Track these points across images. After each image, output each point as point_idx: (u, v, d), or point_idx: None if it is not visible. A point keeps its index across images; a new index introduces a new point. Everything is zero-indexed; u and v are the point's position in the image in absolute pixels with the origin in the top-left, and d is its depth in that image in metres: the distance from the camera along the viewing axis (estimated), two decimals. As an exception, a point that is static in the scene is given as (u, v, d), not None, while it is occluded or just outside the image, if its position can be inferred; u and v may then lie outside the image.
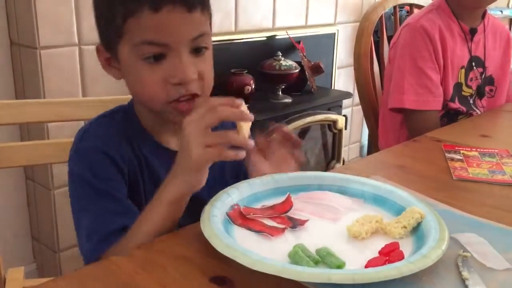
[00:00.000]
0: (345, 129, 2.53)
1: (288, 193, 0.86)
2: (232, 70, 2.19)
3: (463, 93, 1.54)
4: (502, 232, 0.82)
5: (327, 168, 2.52)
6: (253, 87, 2.19)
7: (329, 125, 2.48)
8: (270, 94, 2.34)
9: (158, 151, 0.92)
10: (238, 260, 0.65)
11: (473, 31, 1.53)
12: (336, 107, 2.50)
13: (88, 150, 0.87)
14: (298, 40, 2.51)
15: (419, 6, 1.80)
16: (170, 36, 0.80)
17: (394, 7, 1.80)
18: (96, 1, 0.87)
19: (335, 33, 2.75)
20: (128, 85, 0.88)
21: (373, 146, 1.76)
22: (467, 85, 1.54)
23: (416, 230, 0.78)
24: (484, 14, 1.56)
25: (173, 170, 0.79)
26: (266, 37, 2.43)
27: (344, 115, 2.51)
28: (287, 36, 2.47)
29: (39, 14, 1.73)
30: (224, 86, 2.17)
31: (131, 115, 0.93)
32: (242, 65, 2.26)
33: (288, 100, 2.33)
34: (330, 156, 2.56)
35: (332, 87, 2.83)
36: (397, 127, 1.55)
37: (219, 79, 2.15)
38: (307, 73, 2.39)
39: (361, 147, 3.31)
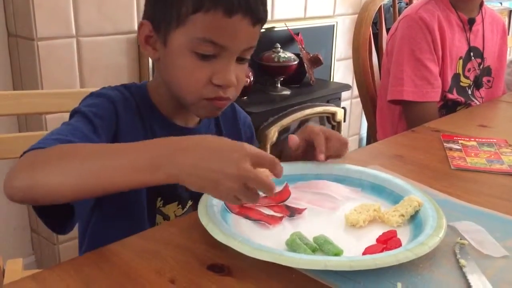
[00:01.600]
0: (344, 121, 2.52)
1: (285, 182, 0.86)
2: (231, 62, 2.19)
3: (461, 83, 1.53)
4: (500, 220, 0.82)
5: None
6: (252, 79, 2.18)
7: (328, 118, 2.47)
8: (269, 86, 2.33)
9: (168, 127, 0.92)
10: (235, 248, 0.65)
11: (471, 21, 1.52)
12: (335, 99, 2.50)
13: (99, 95, 0.88)
14: (297, 32, 2.50)
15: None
16: (231, 41, 0.82)
17: (393, -2, 1.79)
18: None
19: (334, 25, 2.74)
20: (166, 70, 0.87)
21: (372, 138, 1.75)
22: (464, 76, 1.53)
23: (414, 219, 0.78)
24: (481, 4, 1.55)
25: (173, 153, 0.66)
26: (265, 28, 2.42)
27: (343, 108, 2.50)
28: (285, 28, 2.46)
29: (36, 5, 1.71)
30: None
31: (144, 92, 0.93)
32: (241, 57, 2.25)
33: (286, 92, 2.33)
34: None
35: (331, 80, 2.83)
36: (395, 119, 1.55)
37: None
38: (306, 65, 2.38)
39: (360, 140, 3.30)
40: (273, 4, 2.46)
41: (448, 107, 1.51)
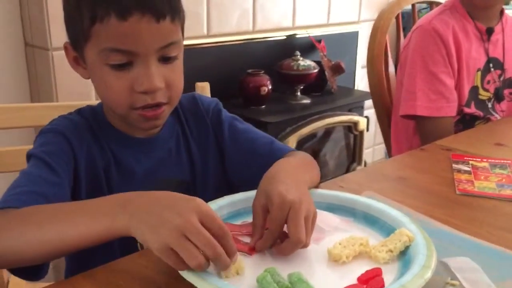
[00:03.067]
0: (367, 130, 2.45)
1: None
2: (249, 71, 2.15)
3: (480, 97, 1.45)
4: (501, 256, 0.75)
5: (347, 170, 2.45)
6: (270, 87, 2.14)
7: (349, 127, 2.40)
8: (289, 95, 2.28)
9: (126, 142, 0.90)
10: (197, 285, 0.61)
11: (490, 31, 1.43)
12: (357, 108, 2.42)
13: (49, 131, 0.86)
14: (320, 39, 2.44)
15: (440, 4, 1.71)
16: (137, 45, 0.78)
17: (413, 6, 1.71)
18: (65, 0, 0.84)
19: (358, 32, 2.67)
20: (94, 86, 0.86)
21: (388, 153, 1.68)
22: (484, 88, 1.45)
23: (404, 255, 0.72)
24: (502, 12, 1.46)
25: (126, 201, 0.67)
26: (286, 36, 2.37)
27: (366, 116, 2.43)
28: (307, 35, 2.40)
29: (50, 15, 1.72)
30: (240, 87, 2.13)
31: (98, 112, 0.91)
32: (260, 65, 2.21)
33: (306, 101, 2.28)
34: (351, 158, 2.48)
35: (355, 87, 2.76)
36: (410, 134, 1.48)
37: (234, 79, 2.15)
38: (326, 73, 2.32)
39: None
40: (294, 11, 2.41)
41: (465, 121, 1.43)
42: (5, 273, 1.28)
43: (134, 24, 0.76)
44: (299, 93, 2.28)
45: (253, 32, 2.28)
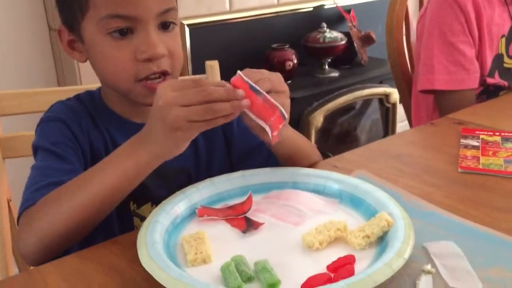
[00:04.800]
0: (400, 103, 2.35)
1: (249, 191, 0.79)
2: (273, 45, 2.10)
3: (504, 65, 1.34)
4: (491, 240, 0.70)
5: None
6: (295, 62, 2.09)
7: (381, 99, 2.32)
8: (316, 68, 2.23)
9: (125, 127, 0.88)
10: (154, 276, 0.60)
11: None
12: (389, 79, 2.32)
13: (48, 119, 0.87)
14: (348, 9, 2.35)
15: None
16: (137, 9, 0.77)
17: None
18: None
19: (391, -1, 2.55)
20: (93, 66, 0.85)
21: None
22: (509, 56, 1.34)
23: (382, 241, 0.68)
24: None
25: (139, 138, 0.73)
26: (312, 7, 2.30)
27: (399, 88, 2.34)
28: (335, 6, 2.32)
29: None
30: (264, 62, 2.09)
31: (96, 97, 0.91)
32: (285, 39, 2.16)
33: (335, 74, 2.21)
34: (384, 132, 2.41)
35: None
36: (431, 110, 1.39)
37: (259, 55, 2.11)
38: (355, 44, 2.24)
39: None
40: (321, -20, 2.33)
41: (488, 92, 1.34)
42: None
43: None
44: (327, 67, 2.22)
45: (278, 5, 2.22)
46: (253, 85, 0.69)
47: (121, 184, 0.73)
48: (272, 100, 0.70)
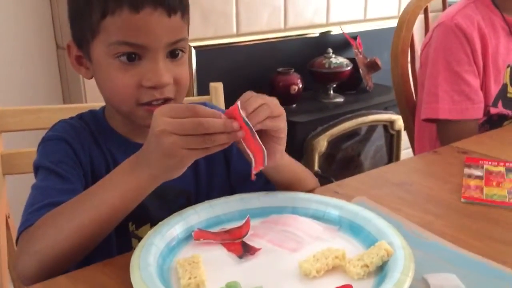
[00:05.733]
0: (404, 130, 2.34)
1: (247, 215, 0.78)
2: (279, 69, 2.11)
3: (508, 95, 1.33)
4: (494, 274, 0.68)
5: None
6: (300, 86, 2.09)
7: (385, 126, 2.31)
8: (321, 93, 2.23)
9: (126, 147, 0.88)
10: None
11: None
12: (394, 106, 2.32)
13: (50, 138, 0.86)
14: (355, 36, 2.36)
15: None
16: (147, 38, 0.78)
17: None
18: None
19: (397, 27, 2.56)
20: (98, 85, 0.85)
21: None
22: None
23: (381, 271, 0.67)
24: None
25: (137, 160, 0.72)
26: (319, 33, 2.31)
27: (403, 115, 2.33)
28: (342, 32, 2.33)
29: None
30: (269, 86, 2.10)
31: (99, 117, 0.91)
32: (292, 64, 2.16)
33: (339, 99, 2.21)
34: (388, 159, 2.39)
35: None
36: (434, 139, 1.38)
37: (264, 78, 2.11)
38: (361, 71, 2.24)
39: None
40: (328, 7, 2.34)
41: (492, 122, 1.32)
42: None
43: (146, 17, 0.76)
44: (332, 92, 2.22)
45: (285, 30, 2.24)
46: (247, 121, 0.69)
47: (120, 204, 0.72)
48: (260, 142, 0.70)
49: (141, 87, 0.80)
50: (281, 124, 0.74)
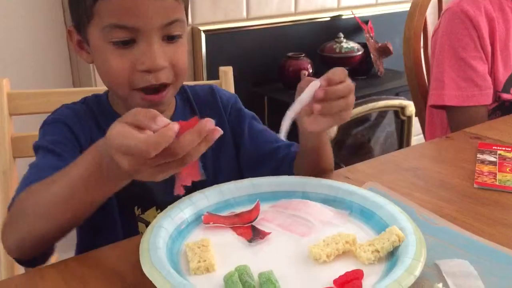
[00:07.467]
0: (416, 116, 2.32)
1: (257, 200, 0.77)
2: (289, 54, 2.09)
3: None
4: (507, 261, 0.67)
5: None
6: (311, 71, 2.07)
7: (396, 112, 2.29)
8: (332, 78, 2.20)
9: None
10: (154, 282, 0.58)
11: None
12: (406, 92, 2.30)
13: (51, 121, 0.87)
14: (366, 20, 2.34)
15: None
16: (140, 20, 0.76)
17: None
18: None
19: (410, 11, 2.53)
20: (97, 69, 0.85)
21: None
22: None
23: (392, 256, 0.66)
24: None
25: (100, 169, 0.63)
26: (330, 17, 2.28)
27: (415, 101, 2.30)
28: (353, 16, 2.30)
29: None
30: (279, 71, 2.08)
31: (103, 101, 0.91)
32: (302, 48, 2.14)
33: (350, 84, 2.18)
34: (399, 145, 2.37)
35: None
36: (445, 126, 1.36)
37: (274, 63, 2.10)
38: (372, 56, 2.22)
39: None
40: (340, -10, 2.31)
41: (504, 108, 1.30)
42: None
43: None
44: (342, 77, 2.19)
45: (295, 14, 2.21)
46: None
47: (82, 186, 0.65)
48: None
49: (135, 71, 0.78)
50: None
